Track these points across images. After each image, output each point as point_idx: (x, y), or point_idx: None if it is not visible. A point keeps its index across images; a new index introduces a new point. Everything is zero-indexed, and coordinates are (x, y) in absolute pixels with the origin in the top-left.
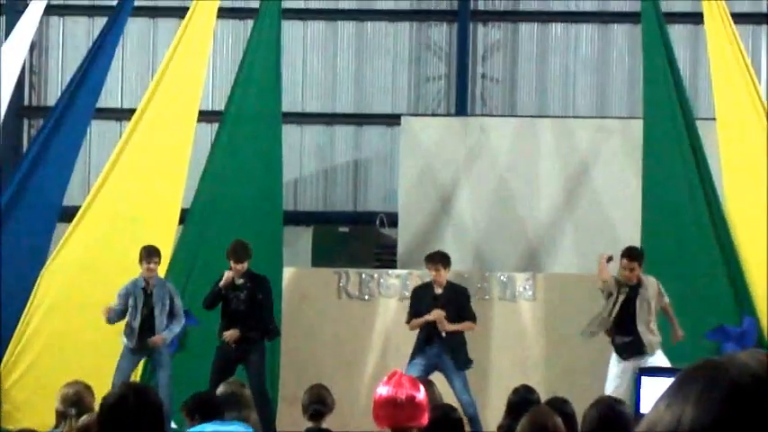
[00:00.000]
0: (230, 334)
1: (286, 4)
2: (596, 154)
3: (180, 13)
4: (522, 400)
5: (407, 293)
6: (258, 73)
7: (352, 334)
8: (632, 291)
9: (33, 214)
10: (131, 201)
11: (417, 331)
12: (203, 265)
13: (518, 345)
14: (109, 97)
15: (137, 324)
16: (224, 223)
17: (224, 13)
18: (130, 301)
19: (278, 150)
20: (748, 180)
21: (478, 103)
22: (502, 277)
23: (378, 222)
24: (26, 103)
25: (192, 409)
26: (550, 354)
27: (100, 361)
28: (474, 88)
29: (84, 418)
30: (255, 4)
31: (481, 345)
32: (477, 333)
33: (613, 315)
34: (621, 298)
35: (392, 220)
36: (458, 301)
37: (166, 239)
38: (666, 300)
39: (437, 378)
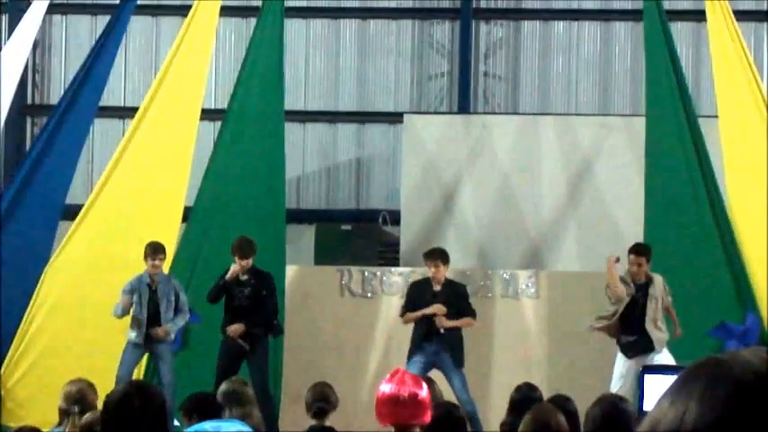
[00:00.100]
0: (235, 328)
1: (289, 3)
2: (599, 151)
3: (182, 11)
4: (524, 397)
5: None
6: (261, 71)
7: (355, 332)
8: (640, 290)
9: (36, 212)
10: (134, 199)
11: (413, 327)
12: (206, 263)
13: (521, 342)
14: (112, 95)
15: (143, 319)
16: (227, 221)
17: (226, 11)
18: (135, 297)
19: (281, 148)
20: (750, 177)
21: (481, 101)
22: (504, 275)
23: (380, 220)
24: (29, 101)
25: (190, 409)
26: (553, 351)
27: (103, 359)
28: (476, 86)
29: (87, 416)
30: (258, 3)
31: (484, 342)
32: (480, 331)
33: (617, 315)
34: (627, 299)
35: (395, 217)
36: (457, 299)
37: (170, 237)
38: (670, 299)
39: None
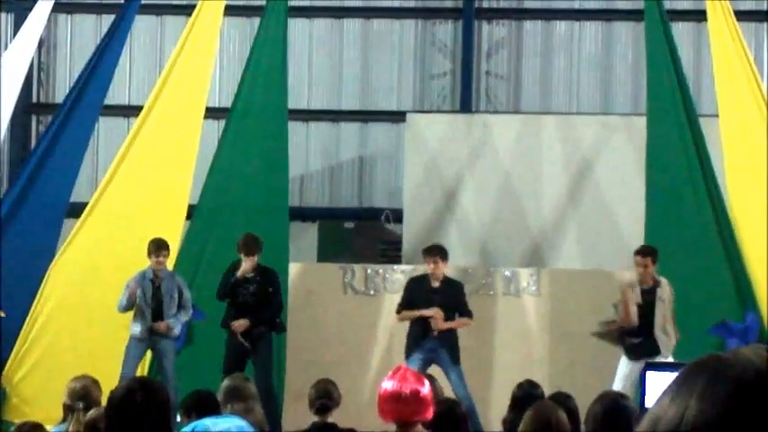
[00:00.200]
0: (240, 324)
1: (292, 2)
2: (600, 150)
3: (187, 10)
4: (526, 394)
5: None
6: (265, 70)
7: (358, 329)
8: (647, 295)
9: (41, 210)
10: (139, 197)
11: (410, 325)
12: (210, 261)
13: (522, 340)
14: (116, 94)
15: (146, 316)
16: (231, 219)
17: (231, 10)
18: (139, 293)
19: (284, 147)
20: (751, 177)
21: (483, 100)
22: (506, 273)
23: (383, 218)
24: (34, 99)
25: (190, 407)
26: (554, 349)
27: (107, 356)
28: (479, 85)
29: (91, 413)
30: (262, 2)
31: (485, 340)
32: (482, 328)
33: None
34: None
35: (397, 215)
36: (454, 296)
37: (174, 235)
38: (672, 305)
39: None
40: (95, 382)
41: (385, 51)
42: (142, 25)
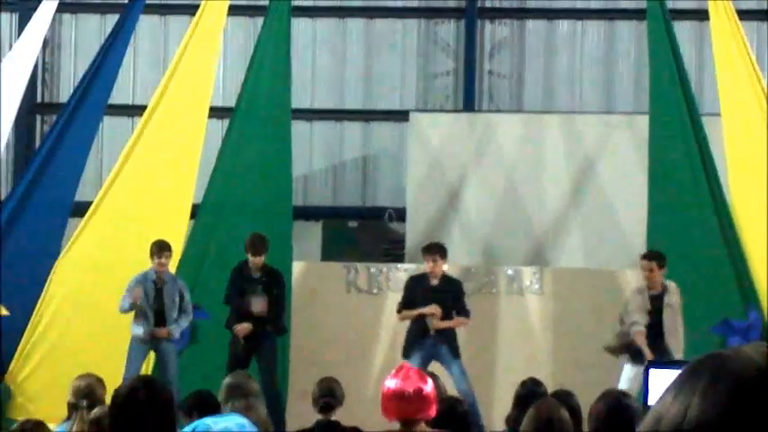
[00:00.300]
0: (242, 328)
1: (295, 2)
2: (602, 149)
3: (191, 10)
4: (529, 392)
5: None
6: (268, 70)
7: (361, 328)
8: (655, 300)
9: (46, 209)
10: (143, 196)
11: (410, 323)
12: (214, 260)
13: (525, 338)
14: (120, 94)
15: (148, 318)
16: (234, 218)
17: (234, 10)
18: (141, 295)
19: (287, 146)
20: (753, 175)
21: (486, 99)
22: (509, 271)
23: (386, 217)
24: (39, 99)
25: (191, 407)
26: (557, 347)
27: (111, 354)
28: (481, 84)
29: (95, 411)
30: (265, 2)
31: (488, 338)
32: (485, 327)
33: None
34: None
35: (400, 214)
36: (453, 294)
37: (178, 235)
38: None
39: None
40: (100, 381)
41: (388, 51)
42: (146, 25)
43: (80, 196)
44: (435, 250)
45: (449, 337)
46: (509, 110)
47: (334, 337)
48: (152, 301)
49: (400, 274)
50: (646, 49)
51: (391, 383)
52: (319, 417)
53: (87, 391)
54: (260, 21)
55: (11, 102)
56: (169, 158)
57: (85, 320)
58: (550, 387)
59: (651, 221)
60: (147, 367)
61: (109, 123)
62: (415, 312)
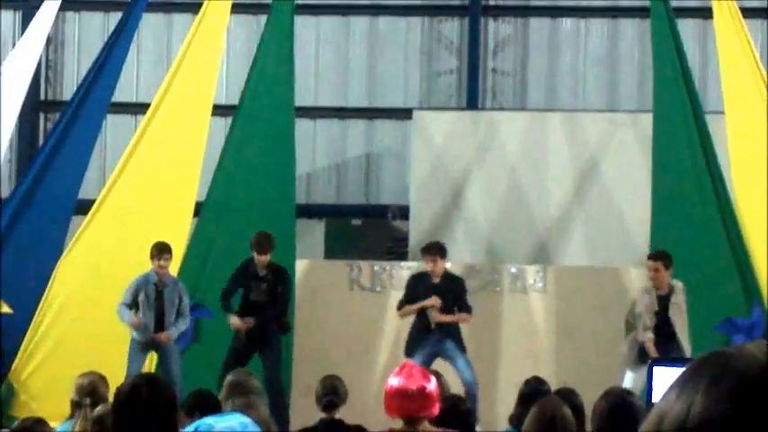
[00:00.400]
0: (243, 324)
1: (299, 0)
2: (606, 147)
3: (194, 8)
4: (533, 391)
5: None
6: (271, 67)
7: (364, 326)
8: (663, 300)
9: (49, 207)
10: (146, 194)
11: (412, 323)
12: (218, 258)
13: (528, 337)
14: (124, 91)
15: (148, 320)
16: (238, 216)
17: (238, 8)
18: (141, 296)
19: (291, 144)
20: (757, 173)
21: (489, 97)
22: (512, 269)
23: (389, 215)
24: (42, 97)
25: (192, 407)
26: (561, 346)
27: (114, 352)
28: (485, 82)
29: (99, 409)
30: (269, 0)
31: (492, 336)
32: (488, 325)
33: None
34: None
35: (404, 212)
36: (454, 291)
37: (181, 233)
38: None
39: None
40: (103, 379)
41: (391, 49)
42: (149, 23)
43: (83, 194)
44: (435, 251)
45: (453, 332)
46: (512, 108)
47: (338, 335)
48: (153, 304)
49: (403, 272)
50: (649, 48)
51: (394, 381)
52: (323, 415)
53: (90, 389)
54: (263, 18)
55: (14, 99)
56: (172, 156)
57: (89, 318)
58: (554, 385)
59: (655, 219)
60: (150, 368)
61: (112, 121)
62: (415, 306)
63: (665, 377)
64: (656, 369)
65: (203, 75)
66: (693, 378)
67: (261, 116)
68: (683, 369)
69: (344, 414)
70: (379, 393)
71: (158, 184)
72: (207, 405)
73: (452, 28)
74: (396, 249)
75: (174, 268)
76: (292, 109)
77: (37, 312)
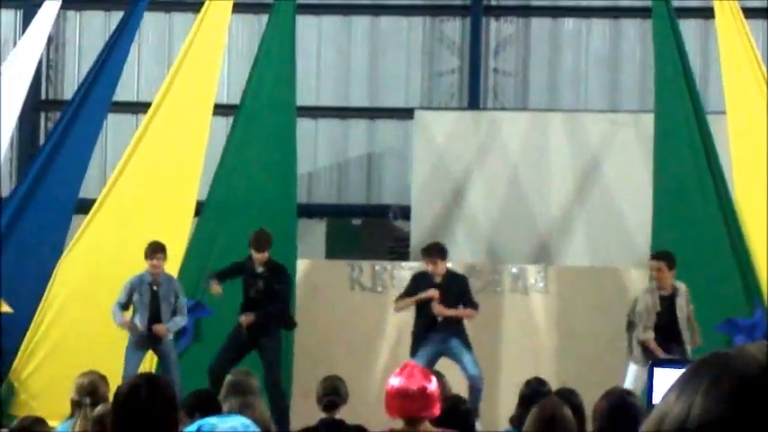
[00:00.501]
0: (245, 318)
1: (300, 0)
2: (607, 147)
3: (195, 7)
4: (534, 391)
5: None
6: (273, 67)
7: (365, 325)
8: (666, 301)
9: (50, 207)
10: (147, 193)
11: (414, 322)
12: (219, 257)
13: (529, 337)
14: (125, 91)
15: (143, 319)
16: (239, 216)
17: (239, 7)
18: (135, 296)
19: (292, 143)
20: (758, 173)
21: (491, 97)
22: (514, 269)
23: (391, 215)
24: (43, 96)
25: (192, 407)
26: (562, 346)
27: (114, 352)
28: (486, 82)
29: (99, 408)
30: (270, 0)
31: (493, 336)
32: (489, 325)
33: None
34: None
35: (405, 212)
36: (458, 289)
37: (182, 232)
38: (691, 307)
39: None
40: (103, 378)
41: (393, 48)
42: (151, 22)
43: (84, 193)
44: (434, 252)
45: (458, 330)
46: (514, 108)
47: (338, 335)
48: (148, 303)
49: (405, 272)
50: (651, 48)
51: (395, 381)
52: (323, 415)
53: (90, 389)
54: (265, 18)
55: (15, 98)
56: (173, 156)
57: (89, 318)
58: (554, 385)
59: (656, 219)
60: (150, 368)
61: (113, 120)
62: (413, 299)
63: (666, 378)
64: (656, 370)
65: (204, 74)
66: (694, 379)
67: (262, 116)
68: (684, 370)
69: (345, 414)
70: (380, 393)
71: (159, 183)
72: (207, 405)
73: (454, 28)
74: (397, 249)
75: (174, 267)
76: (294, 108)
77: (37, 312)
